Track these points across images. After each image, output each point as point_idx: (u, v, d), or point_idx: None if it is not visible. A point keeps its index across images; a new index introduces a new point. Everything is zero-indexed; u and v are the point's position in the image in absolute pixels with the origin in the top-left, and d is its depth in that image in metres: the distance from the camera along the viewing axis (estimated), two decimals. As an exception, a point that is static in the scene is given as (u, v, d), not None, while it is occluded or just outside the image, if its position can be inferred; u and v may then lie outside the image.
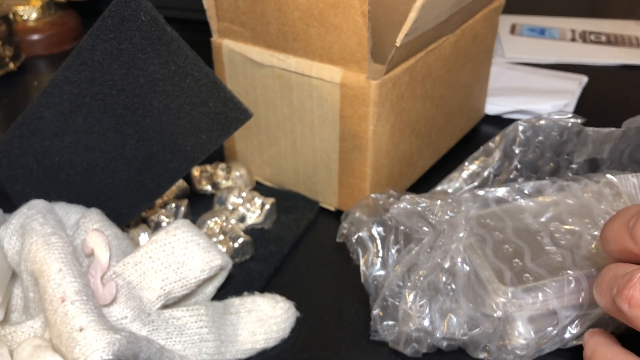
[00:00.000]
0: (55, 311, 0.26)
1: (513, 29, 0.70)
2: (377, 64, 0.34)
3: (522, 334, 0.29)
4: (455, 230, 0.29)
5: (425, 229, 0.30)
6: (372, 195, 0.35)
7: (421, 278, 0.29)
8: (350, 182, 0.39)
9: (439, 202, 0.30)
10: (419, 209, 0.31)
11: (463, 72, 0.44)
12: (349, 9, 0.33)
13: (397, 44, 0.33)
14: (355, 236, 0.34)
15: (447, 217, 0.30)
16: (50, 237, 0.29)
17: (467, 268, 0.30)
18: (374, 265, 0.32)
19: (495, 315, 0.29)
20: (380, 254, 0.33)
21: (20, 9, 0.66)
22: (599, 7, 0.80)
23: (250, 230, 0.39)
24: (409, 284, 0.29)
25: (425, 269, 0.29)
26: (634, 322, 0.24)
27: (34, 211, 0.31)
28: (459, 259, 0.30)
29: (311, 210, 0.41)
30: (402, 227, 0.31)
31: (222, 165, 0.43)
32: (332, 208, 0.42)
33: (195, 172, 0.43)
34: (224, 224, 0.38)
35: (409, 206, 0.31)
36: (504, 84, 0.56)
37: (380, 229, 0.34)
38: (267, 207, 0.39)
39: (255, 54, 0.39)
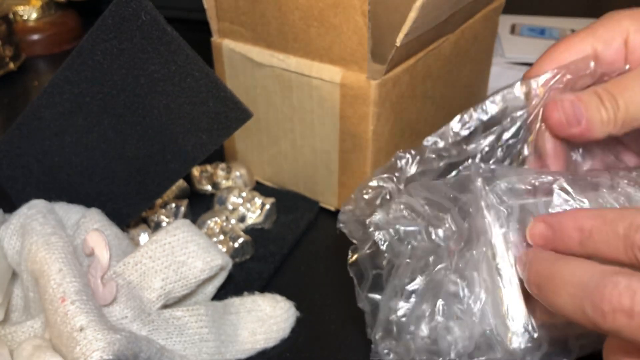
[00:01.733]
0: (56, 311, 0.26)
1: (513, 29, 0.70)
2: (377, 64, 0.34)
3: None
4: (437, 262, 0.28)
5: (407, 260, 0.28)
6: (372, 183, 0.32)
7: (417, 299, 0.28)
8: (350, 182, 0.39)
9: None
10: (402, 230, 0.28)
11: (463, 72, 0.44)
12: (349, 9, 0.33)
13: (397, 44, 0.33)
14: (353, 258, 0.31)
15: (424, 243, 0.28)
16: (50, 237, 0.29)
17: (484, 296, 0.28)
18: (372, 289, 0.31)
19: (510, 347, 0.28)
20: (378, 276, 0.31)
21: (20, 9, 0.66)
22: (599, 7, 0.80)
23: (250, 230, 0.39)
24: (411, 312, 0.28)
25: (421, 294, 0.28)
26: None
27: (34, 211, 0.31)
28: (465, 283, 0.28)
29: (311, 210, 0.41)
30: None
31: (222, 165, 0.43)
32: (332, 208, 0.42)
33: (195, 172, 0.43)
34: (224, 224, 0.38)
35: (391, 215, 0.28)
36: (504, 84, 0.56)
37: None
38: (267, 207, 0.39)
39: (255, 54, 0.39)
